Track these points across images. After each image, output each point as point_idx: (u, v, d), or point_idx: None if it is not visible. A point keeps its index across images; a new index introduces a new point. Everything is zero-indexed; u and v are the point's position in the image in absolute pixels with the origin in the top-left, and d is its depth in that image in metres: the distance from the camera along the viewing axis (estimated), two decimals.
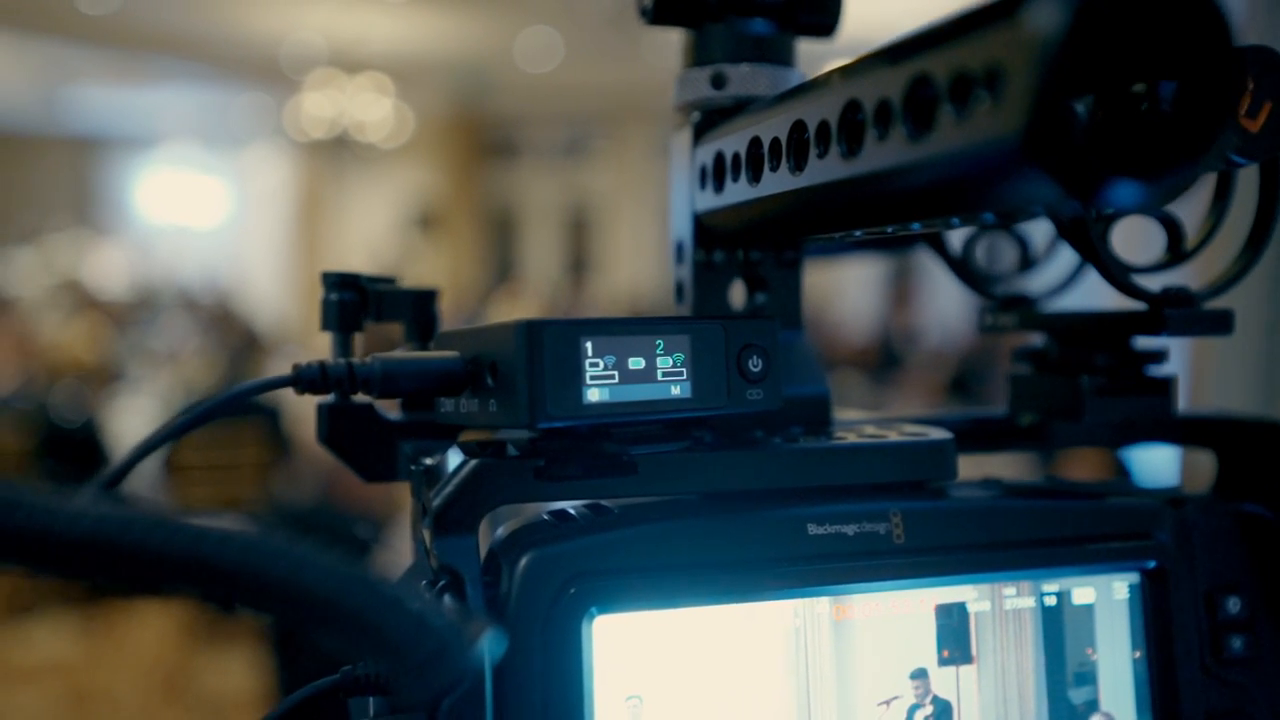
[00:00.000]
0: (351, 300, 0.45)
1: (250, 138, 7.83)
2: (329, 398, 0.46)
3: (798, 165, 0.36)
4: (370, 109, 6.20)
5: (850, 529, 0.40)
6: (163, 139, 8.04)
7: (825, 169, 0.34)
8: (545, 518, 0.40)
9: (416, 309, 0.47)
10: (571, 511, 0.40)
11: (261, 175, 8.08)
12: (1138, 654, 0.43)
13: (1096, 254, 0.43)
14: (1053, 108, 0.24)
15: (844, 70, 0.34)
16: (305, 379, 0.35)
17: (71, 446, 3.65)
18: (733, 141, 0.41)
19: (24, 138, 7.78)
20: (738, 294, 0.50)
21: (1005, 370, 0.52)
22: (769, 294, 0.49)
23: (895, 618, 0.40)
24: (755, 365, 0.38)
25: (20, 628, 3.08)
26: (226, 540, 0.23)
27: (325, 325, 0.44)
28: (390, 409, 0.48)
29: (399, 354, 0.37)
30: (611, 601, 0.37)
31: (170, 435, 0.32)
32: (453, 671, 0.23)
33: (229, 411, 0.34)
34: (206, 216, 8.25)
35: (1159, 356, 0.49)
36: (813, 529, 0.40)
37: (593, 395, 0.36)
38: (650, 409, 0.37)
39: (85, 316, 5.24)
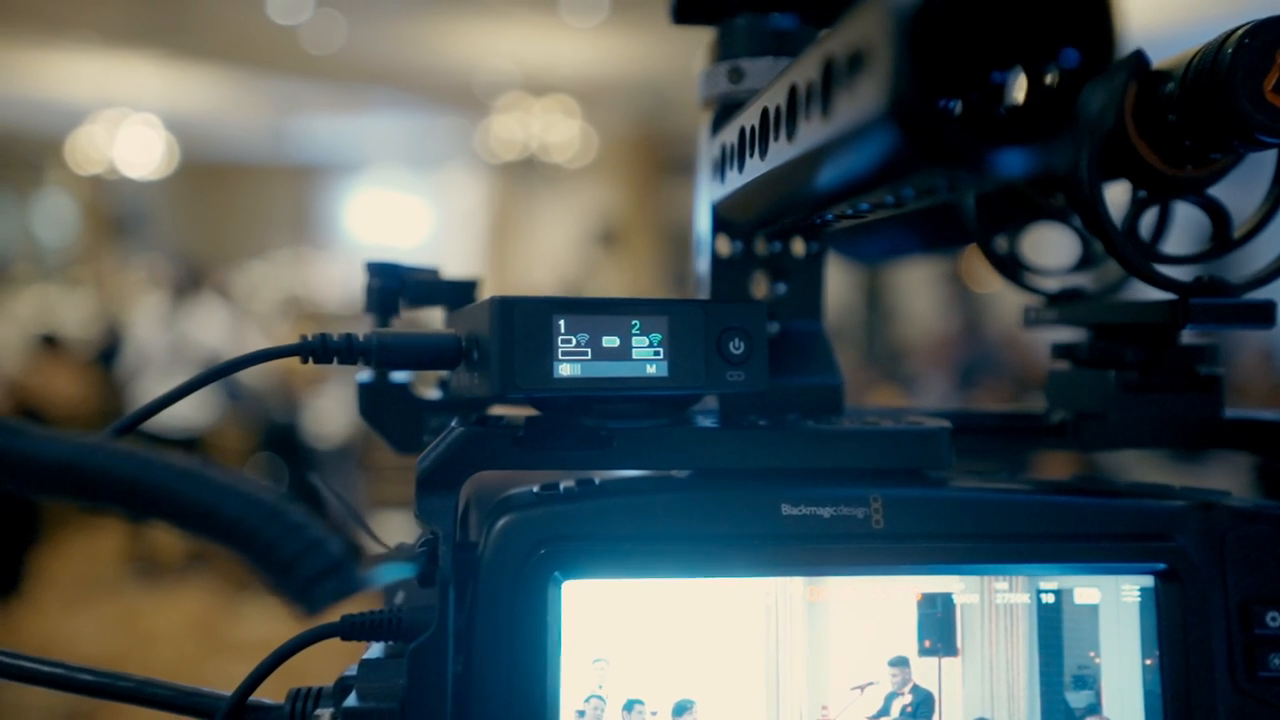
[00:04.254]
0: (389, 287, 0.49)
1: (447, 160, 8.33)
2: (368, 376, 0.50)
3: (763, 151, 0.37)
4: (556, 130, 6.45)
5: (826, 511, 0.40)
6: (370, 163, 8.69)
7: (778, 153, 0.35)
8: (534, 489, 0.42)
9: (455, 296, 0.51)
10: (560, 484, 0.42)
11: (458, 196, 8.57)
12: (1149, 661, 0.40)
13: (1110, 238, 0.41)
14: (915, 80, 0.24)
15: (799, 56, 0.34)
16: (309, 348, 0.40)
17: (284, 442, 4.12)
18: (730, 132, 0.43)
19: (254, 166, 8.63)
20: (762, 286, 0.51)
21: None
22: (789, 285, 0.50)
23: (873, 603, 0.40)
24: (737, 347, 0.39)
25: (238, 606, 3.42)
26: (155, 466, 0.27)
27: (366, 308, 0.49)
28: (429, 391, 0.52)
29: (398, 330, 0.41)
30: (580, 567, 0.39)
31: (179, 394, 0.38)
32: (338, 587, 0.26)
33: (231, 372, 0.39)
34: (409, 235, 8.83)
35: (1204, 353, 0.46)
36: (787, 509, 0.40)
37: (564, 370, 0.38)
38: (625, 385, 0.38)
39: (300, 328, 5.74)
